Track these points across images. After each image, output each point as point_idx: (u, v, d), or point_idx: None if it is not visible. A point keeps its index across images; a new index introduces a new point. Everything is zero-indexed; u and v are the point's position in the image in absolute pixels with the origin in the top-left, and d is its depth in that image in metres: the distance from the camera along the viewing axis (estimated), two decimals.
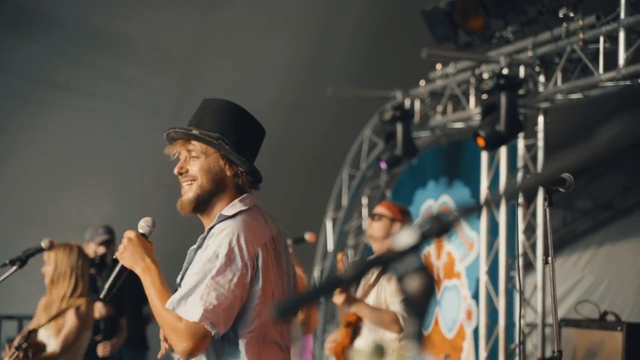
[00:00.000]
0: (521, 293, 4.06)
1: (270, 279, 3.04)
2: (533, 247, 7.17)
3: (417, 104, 8.34)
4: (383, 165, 8.27)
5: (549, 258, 3.81)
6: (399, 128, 8.02)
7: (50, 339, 5.64)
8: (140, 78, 9.48)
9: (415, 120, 8.25)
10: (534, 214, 7.22)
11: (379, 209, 5.82)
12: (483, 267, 7.39)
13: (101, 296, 3.28)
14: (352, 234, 9.55)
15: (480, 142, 6.85)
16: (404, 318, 5.58)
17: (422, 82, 8.25)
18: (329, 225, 9.58)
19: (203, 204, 3.15)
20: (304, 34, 9.69)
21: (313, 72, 9.78)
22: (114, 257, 3.20)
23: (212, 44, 9.52)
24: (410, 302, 1.22)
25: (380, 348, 1.31)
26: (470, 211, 1.25)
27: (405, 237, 1.23)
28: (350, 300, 5.35)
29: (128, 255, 3.15)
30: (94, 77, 9.32)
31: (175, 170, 3.16)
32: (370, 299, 5.65)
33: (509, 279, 7.19)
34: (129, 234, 3.17)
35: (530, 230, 7.36)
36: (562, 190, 3.76)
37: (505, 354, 7.12)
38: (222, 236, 3.00)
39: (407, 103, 8.33)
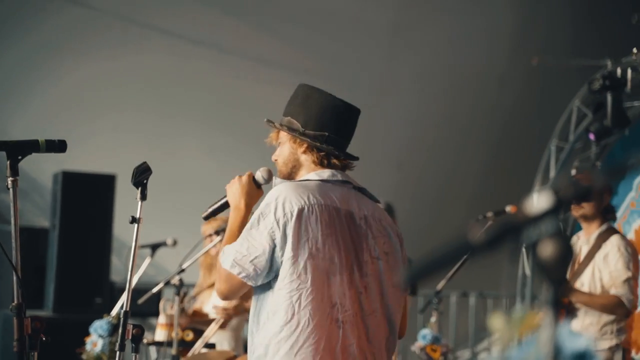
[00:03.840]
0: None
1: (307, 243, 3.07)
2: None
3: (629, 72, 7.98)
4: (592, 136, 7.99)
5: None
6: (609, 98, 7.70)
7: (211, 303, 5.88)
8: (342, 52, 9.60)
9: (626, 89, 7.90)
10: None
11: None
12: None
13: (202, 216, 3.52)
14: None
15: None
16: (630, 300, 5.38)
17: (634, 50, 7.88)
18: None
19: None
20: (510, 3, 9.49)
21: (519, 42, 9.57)
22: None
23: (415, 16, 9.49)
24: (545, 269, 1.18)
25: (521, 317, 1.27)
26: (612, 173, 1.19)
27: (540, 202, 1.19)
28: (566, 289, 5.18)
29: (232, 190, 3.36)
30: (293, 49, 9.55)
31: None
32: (585, 279, 5.46)
33: None
34: (235, 180, 3.38)
35: None
36: None
37: None
38: (267, 196, 3.17)
39: (619, 71, 7.98)
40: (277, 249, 3.06)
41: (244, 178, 3.36)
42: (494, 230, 1.19)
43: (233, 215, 3.33)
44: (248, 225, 3.12)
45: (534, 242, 1.18)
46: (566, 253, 1.18)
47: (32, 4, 9.10)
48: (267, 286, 3.12)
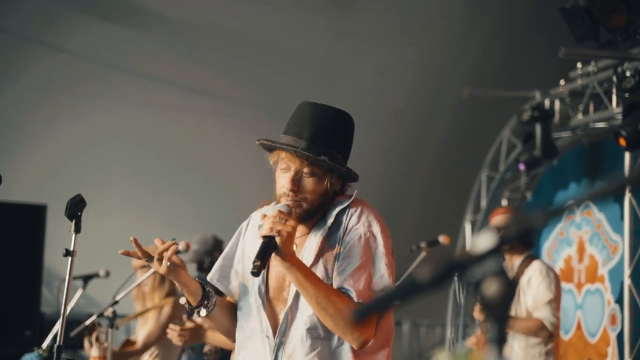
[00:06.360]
0: None
1: None
2: None
3: (557, 104, 8.15)
4: (522, 166, 8.15)
5: None
6: (538, 129, 7.87)
7: (140, 334, 5.87)
8: (275, 82, 9.63)
9: (555, 120, 8.07)
10: None
11: (501, 219, 5.81)
12: (627, 271, 7.15)
13: (253, 271, 2.75)
14: None
15: (622, 142, 6.64)
16: (552, 323, 5.52)
17: (562, 82, 8.05)
18: (467, 227, 9.46)
19: (308, 217, 2.99)
20: (440, 35, 9.63)
21: (449, 73, 9.71)
22: (272, 234, 2.77)
23: (348, 47, 9.58)
24: (489, 306, 1.20)
25: (465, 353, 1.29)
26: (552, 214, 1.22)
27: (483, 240, 1.21)
28: None
29: (291, 241, 2.79)
30: (228, 81, 9.56)
31: (288, 186, 2.92)
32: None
33: None
34: (292, 222, 2.80)
35: None
36: None
37: None
38: (368, 216, 3.00)
39: (547, 103, 8.15)
40: None
41: (295, 227, 2.84)
42: (439, 269, 1.21)
43: (303, 268, 2.84)
44: (379, 252, 2.91)
45: (477, 281, 1.20)
46: (509, 291, 1.20)
47: None
48: None
